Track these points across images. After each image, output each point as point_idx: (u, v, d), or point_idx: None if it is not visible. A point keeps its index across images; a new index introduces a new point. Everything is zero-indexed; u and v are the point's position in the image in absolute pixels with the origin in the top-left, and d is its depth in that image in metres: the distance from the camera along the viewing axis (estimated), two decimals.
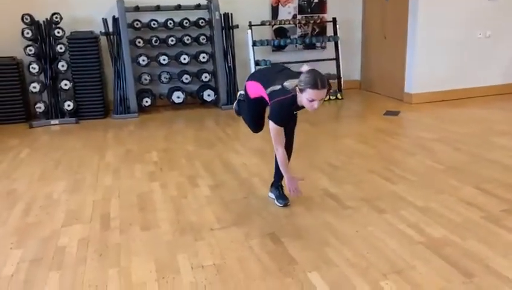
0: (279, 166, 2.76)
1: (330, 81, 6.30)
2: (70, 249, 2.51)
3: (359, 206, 2.93)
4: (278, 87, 2.56)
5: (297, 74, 2.57)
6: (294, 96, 2.53)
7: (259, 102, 2.78)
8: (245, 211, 2.91)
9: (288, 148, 2.85)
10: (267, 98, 2.65)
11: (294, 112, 2.77)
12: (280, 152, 2.67)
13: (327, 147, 4.22)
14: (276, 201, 2.99)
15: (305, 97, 2.46)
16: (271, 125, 2.60)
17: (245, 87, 2.88)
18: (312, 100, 2.45)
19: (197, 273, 2.24)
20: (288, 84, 2.52)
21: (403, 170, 3.55)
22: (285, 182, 2.85)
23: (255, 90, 2.76)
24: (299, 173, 3.48)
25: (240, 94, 3.10)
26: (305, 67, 2.69)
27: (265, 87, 2.64)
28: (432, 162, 3.70)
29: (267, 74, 2.86)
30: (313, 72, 2.49)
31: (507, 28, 6.05)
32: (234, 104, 3.22)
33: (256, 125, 3.01)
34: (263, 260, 2.34)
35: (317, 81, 2.43)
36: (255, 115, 2.96)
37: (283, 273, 2.22)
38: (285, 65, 3.15)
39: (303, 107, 2.60)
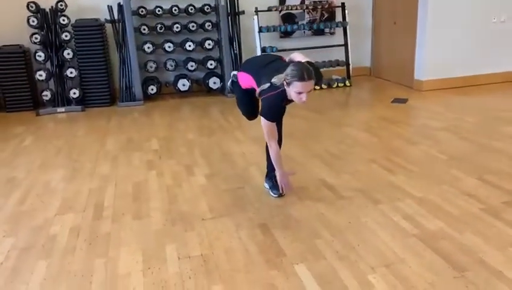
0: (273, 162, 2.71)
1: (338, 67, 6.11)
2: (60, 237, 2.52)
3: (355, 196, 2.86)
4: (267, 85, 2.52)
5: (285, 66, 2.50)
6: (284, 91, 2.49)
7: (251, 92, 2.73)
8: (239, 201, 2.88)
9: (278, 139, 2.80)
10: (257, 92, 2.60)
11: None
12: (273, 148, 2.63)
13: (328, 135, 4.14)
14: (270, 191, 2.94)
15: (292, 90, 2.42)
16: (263, 122, 2.56)
17: (237, 77, 2.83)
18: (300, 92, 2.40)
19: (183, 264, 2.22)
20: (277, 80, 2.47)
21: (404, 159, 3.46)
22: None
23: (247, 81, 2.72)
24: (297, 162, 3.44)
25: (233, 74, 3.02)
26: (295, 55, 2.64)
27: (257, 83, 2.60)
28: (436, 151, 3.60)
29: (257, 65, 2.78)
30: (298, 65, 2.44)
31: None
32: (228, 83, 3.16)
33: (249, 112, 3.00)
34: (251, 251, 2.31)
35: (303, 73, 2.37)
36: (248, 103, 2.93)
37: (269, 265, 2.18)
38: (279, 54, 3.07)
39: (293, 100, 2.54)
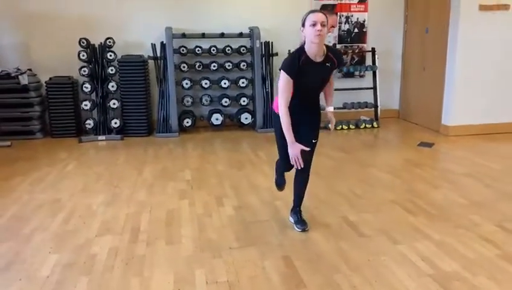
0: (282, 126, 2.73)
1: (367, 109, 6.31)
2: (100, 256, 2.76)
3: (375, 235, 3.01)
4: None
5: None
6: (302, 47, 2.70)
7: (293, 116, 2.79)
8: (264, 233, 3.06)
9: (305, 177, 3.03)
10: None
11: (314, 140, 2.92)
12: (283, 110, 2.70)
13: (353, 174, 4.30)
14: (295, 226, 3.12)
15: (308, 26, 2.61)
16: (281, 76, 2.70)
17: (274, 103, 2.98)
18: (314, 24, 2.58)
19: (211, 288, 2.40)
20: None
21: (425, 202, 3.58)
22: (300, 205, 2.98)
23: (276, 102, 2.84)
24: (321, 199, 3.62)
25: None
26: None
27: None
28: (457, 196, 3.70)
29: None
30: None
31: None
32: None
33: (287, 158, 2.86)
34: (273, 281, 2.48)
35: (314, 10, 2.69)
36: (285, 143, 2.87)
37: None
38: None
39: (312, 62, 2.69)
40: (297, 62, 2.68)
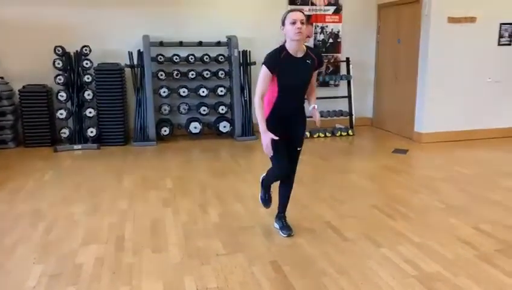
0: (257, 116, 2.85)
1: (342, 117, 6.43)
2: (86, 266, 2.72)
3: (358, 239, 3.09)
4: None
5: None
6: (283, 45, 2.83)
7: (278, 119, 2.88)
8: (250, 239, 3.09)
9: (290, 184, 3.10)
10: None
11: (298, 148, 3.00)
12: (256, 100, 2.83)
13: (333, 181, 4.40)
14: (280, 231, 3.16)
15: (288, 24, 2.74)
16: (262, 69, 2.81)
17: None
18: (293, 23, 2.71)
19: None
20: None
21: (404, 206, 3.70)
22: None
23: (269, 94, 2.88)
24: (304, 205, 3.68)
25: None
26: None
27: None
28: (435, 201, 3.84)
29: None
30: None
31: None
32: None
33: (282, 154, 2.89)
34: (263, 286, 2.51)
35: (293, 9, 2.83)
36: (278, 143, 2.86)
37: None
38: None
39: (293, 57, 2.80)
40: (278, 56, 2.80)
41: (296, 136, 3.01)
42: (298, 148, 3.03)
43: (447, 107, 6.03)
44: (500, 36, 6.02)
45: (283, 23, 2.80)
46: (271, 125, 2.87)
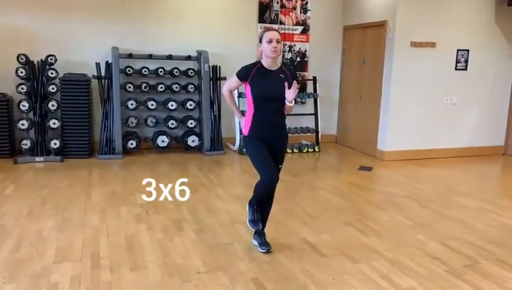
0: (228, 104, 3.26)
1: (308, 134, 6.55)
2: (62, 284, 2.63)
3: (335, 255, 3.16)
4: None
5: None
6: (259, 61, 3.03)
7: (259, 138, 2.99)
8: (230, 256, 3.09)
9: (270, 201, 3.20)
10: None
11: (279, 165, 3.06)
12: (224, 91, 3.19)
13: (305, 197, 4.48)
14: (259, 248, 3.19)
15: (264, 42, 2.92)
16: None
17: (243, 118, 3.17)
18: (270, 41, 2.90)
19: None
20: None
21: (374, 223, 3.83)
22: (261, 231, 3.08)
23: (247, 93, 3.05)
24: (279, 221, 3.72)
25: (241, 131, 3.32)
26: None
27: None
28: (401, 217, 4.00)
29: None
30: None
31: (472, 96, 6.61)
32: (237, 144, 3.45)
33: (267, 162, 2.95)
34: None
35: (269, 27, 3.12)
36: (260, 145, 2.98)
37: None
38: None
39: (266, 70, 2.98)
40: (252, 67, 3.01)
41: (277, 153, 3.06)
42: (279, 166, 3.08)
43: (408, 127, 6.31)
44: (457, 61, 6.40)
45: (260, 41, 2.97)
46: (252, 142, 2.95)
